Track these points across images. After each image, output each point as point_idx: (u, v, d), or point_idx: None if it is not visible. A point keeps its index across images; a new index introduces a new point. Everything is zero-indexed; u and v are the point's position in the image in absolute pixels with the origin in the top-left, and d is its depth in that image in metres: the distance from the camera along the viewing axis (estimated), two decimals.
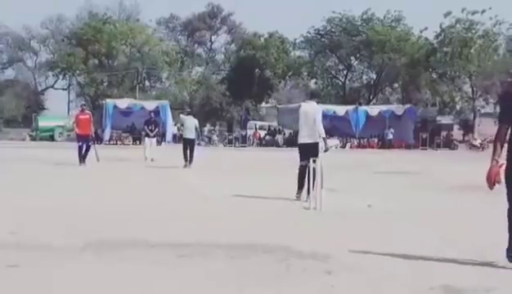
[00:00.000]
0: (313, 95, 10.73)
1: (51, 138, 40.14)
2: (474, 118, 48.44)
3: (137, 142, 34.46)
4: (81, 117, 17.62)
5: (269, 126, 44.42)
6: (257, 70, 54.24)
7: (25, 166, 16.68)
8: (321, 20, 54.75)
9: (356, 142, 39.29)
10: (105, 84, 53.73)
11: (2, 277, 4.74)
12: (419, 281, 4.72)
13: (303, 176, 9.47)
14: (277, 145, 39.17)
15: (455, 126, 51.70)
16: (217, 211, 8.62)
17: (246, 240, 6.26)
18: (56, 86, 59.07)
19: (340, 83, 57.64)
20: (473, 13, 45.60)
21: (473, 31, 46.39)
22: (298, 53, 57.41)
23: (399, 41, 50.19)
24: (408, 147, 37.95)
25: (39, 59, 59.39)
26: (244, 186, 11.39)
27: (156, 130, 20.91)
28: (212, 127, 45.55)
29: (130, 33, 52.26)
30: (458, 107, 52.45)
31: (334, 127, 37.24)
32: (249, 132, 41.27)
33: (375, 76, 56.19)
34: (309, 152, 9.31)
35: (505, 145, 5.23)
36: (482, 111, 52.23)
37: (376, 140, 39.72)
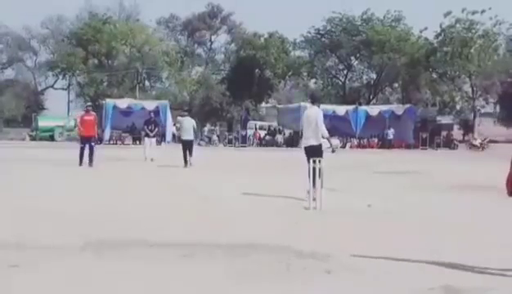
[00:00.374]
0: (315, 100, 10.86)
1: (51, 138, 40.12)
2: (474, 117, 48.45)
3: (137, 142, 34.45)
4: (86, 118, 17.45)
5: (269, 126, 44.39)
6: (257, 70, 54.22)
7: (25, 166, 16.66)
8: (321, 20, 54.83)
9: (356, 142, 39.26)
10: (105, 84, 53.70)
11: (2, 277, 4.74)
12: (419, 281, 4.72)
13: (314, 176, 9.44)
14: (277, 145, 39.17)
15: (455, 126, 51.72)
16: (217, 211, 8.62)
17: (246, 240, 6.27)
18: (55, 86, 59.12)
19: (340, 83, 57.64)
20: (473, 13, 45.63)
21: (473, 31, 46.40)
22: (298, 53, 57.45)
23: (399, 41, 50.19)
24: (408, 147, 37.93)
25: (39, 59, 59.46)
26: (244, 186, 11.39)
27: (156, 130, 20.91)
28: (212, 127, 45.54)
29: (130, 33, 52.23)
30: (458, 107, 52.47)
31: (334, 127, 37.09)
32: (249, 132, 41.24)
33: (375, 76, 56.19)
34: (314, 153, 9.45)
35: None
36: (482, 111, 52.28)
37: (376, 140, 39.69)
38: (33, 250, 5.69)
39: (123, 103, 38.87)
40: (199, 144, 36.07)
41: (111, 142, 36.38)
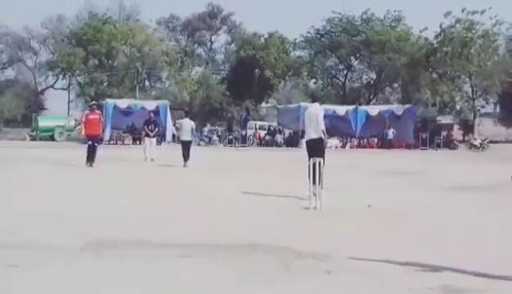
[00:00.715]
0: (316, 99, 11.35)
1: (51, 138, 40.10)
2: (474, 117, 48.42)
3: (137, 142, 34.44)
4: (90, 117, 17.21)
5: (269, 126, 44.39)
6: (257, 70, 54.21)
7: (25, 166, 16.66)
8: (321, 20, 54.81)
9: (356, 142, 39.26)
10: (105, 84, 53.70)
11: (2, 277, 4.74)
12: (419, 281, 4.72)
13: (315, 172, 9.46)
14: (277, 145, 39.18)
15: (455, 126, 51.70)
16: (218, 211, 8.62)
17: (246, 240, 6.27)
18: (56, 86, 59.10)
19: (340, 83, 57.62)
20: (473, 13, 45.57)
21: (473, 31, 46.34)
22: (298, 53, 57.44)
23: (399, 41, 50.15)
24: (408, 147, 37.93)
25: (39, 59, 59.39)
26: (244, 186, 11.39)
27: (156, 130, 20.96)
28: (213, 127, 45.52)
29: (130, 33, 52.20)
30: (458, 107, 52.41)
31: (334, 127, 37.15)
32: (249, 132, 41.24)
33: (375, 76, 56.18)
34: (315, 147, 9.75)
35: None
36: (482, 111, 52.23)
37: (376, 140, 39.69)
38: (33, 250, 5.69)
39: (123, 103, 38.88)
40: (199, 145, 36.12)
41: (111, 142, 36.36)
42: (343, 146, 38.03)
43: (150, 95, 52.78)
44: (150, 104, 36.71)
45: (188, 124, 18.56)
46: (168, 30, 61.87)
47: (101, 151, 18.08)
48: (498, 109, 55.55)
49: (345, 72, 57.06)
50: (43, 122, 41.71)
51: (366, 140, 39.57)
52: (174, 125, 36.30)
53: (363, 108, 41.72)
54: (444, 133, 43.36)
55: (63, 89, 58.50)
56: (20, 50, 58.54)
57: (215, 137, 40.70)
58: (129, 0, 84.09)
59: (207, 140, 39.76)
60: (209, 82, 56.40)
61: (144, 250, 5.75)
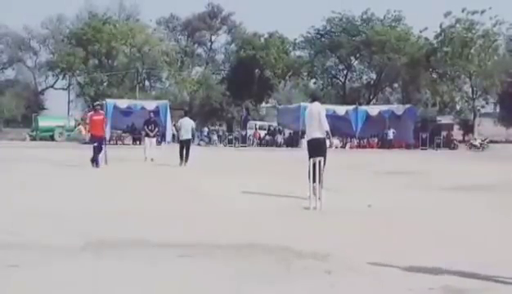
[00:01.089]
0: (316, 99, 11.06)
1: (51, 138, 40.12)
2: (474, 117, 48.44)
3: (137, 142, 34.45)
4: (95, 117, 17.01)
5: (269, 126, 44.40)
6: (257, 70, 54.22)
7: (25, 166, 16.66)
8: (321, 20, 54.94)
9: (356, 142, 39.27)
10: (105, 84, 53.71)
11: (2, 277, 4.74)
12: (419, 281, 4.72)
13: (315, 172, 9.45)
14: (277, 145, 39.18)
15: (455, 126, 51.73)
16: (218, 211, 8.62)
17: (246, 240, 6.27)
18: (56, 86, 59.14)
19: (340, 83, 57.65)
20: (473, 13, 45.59)
21: (474, 31, 46.34)
22: (298, 53, 57.52)
23: (399, 41, 50.18)
24: (408, 147, 37.95)
25: (39, 59, 59.43)
26: (244, 186, 11.39)
27: (156, 130, 20.97)
28: (213, 127, 45.50)
29: (130, 33, 52.23)
30: (458, 107, 52.44)
31: (334, 127, 36.97)
32: (249, 132, 41.26)
33: (375, 76, 56.20)
34: (318, 147, 9.62)
35: None
36: (482, 111, 52.24)
37: (376, 140, 39.70)
38: (33, 250, 5.69)
39: (123, 103, 38.90)
40: (199, 145, 36.12)
41: (111, 142, 36.35)
42: (343, 146, 38.03)
43: (150, 95, 52.81)
44: (150, 104, 36.71)
45: (188, 123, 18.67)
46: (168, 30, 61.92)
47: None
48: (498, 109, 55.56)
49: (345, 72, 57.09)
50: (43, 123, 41.72)
51: (366, 140, 39.59)
52: (174, 125, 36.32)
53: (363, 108, 41.73)
54: (444, 133, 43.39)
55: (63, 89, 58.59)
56: (20, 50, 58.55)
57: (215, 137, 40.71)
58: (129, 0, 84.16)
59: (207, 140, 39.76)
60: (209, 82, 56.42)
61: (144, 250, 5.75)
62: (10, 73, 59.53)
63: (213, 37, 63.46)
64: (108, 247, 5.81)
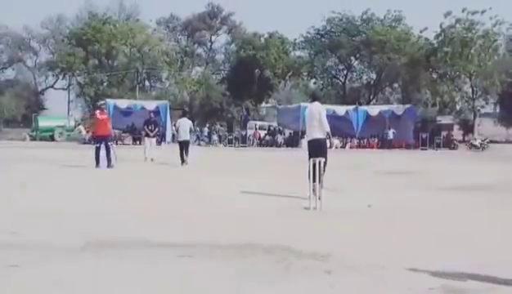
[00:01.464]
0: (316, 99, 11.03)
1: (51, 138, 40.13)
2: (474, 117, 48.44)
3: (137, 142, 34.46)
4: (99, 117, 16.83)
5: (269, 126, 44.42)
6: (257, 70, 54.20)
7: (25, 166, 16.65)
8: (321, 20, 54.91)
9: (356, 142, 39.28)
10: (105, 84, 53.71)
11: (2, 277, 4.74)
12: (419, 281, 4.72)
13: (315, 172, 9.43)
14: (277, 145, 39.18)
15: (455, 126, 51.74)
16: (218, 211, 8.62)
17: (246, 240, 6.26)
18: (56, 86, 59.14)
19: (340, 83, 57.64)
20: (474, 13, 45.58)
21: (474, 31, 46.34)
22: (298, 53, 57.50)
23: (399, 41, 50.17)
24: (408, 147, 37.96)
25: (39, 59, 59.46)
26: (244, 186, 11.38)
27: (156, 130, 20.98)
28: (219, 127, 45.47)
29: (130, 33, 52.21)
30: (458, 107, 52.44)
31: (335, 127, 37.02)
32: (249, 132, 41.27)
33: (375, 76, 56.20)
34: (319, 148, 9.60)
35: None
36: (482, 111, 52.26)
37: (376, 140, 39.71)
38: (33, 250, 5.69)
39: (123, 103, 38.92)
40: (199, 145, 36.12)
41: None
42: (343, 146, 38.04)
43: (150, 96, 52.83)
44: (150, 105, 36.75)
45: (186, 124, 18.73)
46: (168, 30, 61.94)
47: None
48: (498, 109, 55.58)
49: (345, 72, 57.09)
50: (43, 123, 41.74)
51: (366, 140, 39.61)
52: (174, 125, 36.33)
53: (363, 108, 41.75)
54: (444, 133, 43.42)
55: (63, 89, 58.60)
56: (20, 50, 58.57)
57: (215, 137, 40.71)
58: (129, 0, 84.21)
59: (207, 140, 39.76)
60: (209, 82, 56.41)
61: (144, 250, 5.75)
62: (10, 73, 59.68)
63: (213, 37, 63.52)
64: (108, 247, 5.81)
